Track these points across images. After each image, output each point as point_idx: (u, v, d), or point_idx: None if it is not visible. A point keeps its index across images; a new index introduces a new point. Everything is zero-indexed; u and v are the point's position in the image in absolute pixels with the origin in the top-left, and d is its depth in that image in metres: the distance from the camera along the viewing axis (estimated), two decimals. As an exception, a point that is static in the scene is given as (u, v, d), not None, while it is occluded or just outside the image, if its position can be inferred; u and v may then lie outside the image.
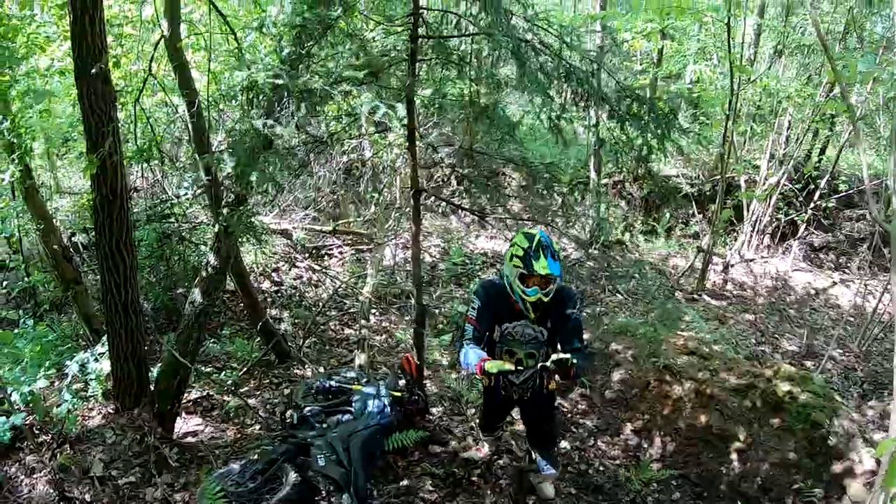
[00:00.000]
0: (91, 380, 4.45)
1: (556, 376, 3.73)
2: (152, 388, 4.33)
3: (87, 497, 3.51)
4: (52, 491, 3.48)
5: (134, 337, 4.10)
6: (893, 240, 2.71)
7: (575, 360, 3.22)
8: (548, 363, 3.31)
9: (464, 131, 8.92)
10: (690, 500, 4.98)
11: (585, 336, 3.92)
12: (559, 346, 3.67)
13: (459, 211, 9.47)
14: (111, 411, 4.27)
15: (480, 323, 3.63)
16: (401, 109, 2.75)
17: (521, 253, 3.43)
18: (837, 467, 4.83)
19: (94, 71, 3.40)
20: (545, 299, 3.45)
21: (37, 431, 3.92)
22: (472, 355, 3.48)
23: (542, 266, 3.35)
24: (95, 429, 4.10)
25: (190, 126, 5.21)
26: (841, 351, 7.85)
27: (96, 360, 4.48)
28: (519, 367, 3.64)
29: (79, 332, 5.74)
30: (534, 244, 3.42)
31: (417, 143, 3.74)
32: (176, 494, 3.70)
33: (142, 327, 4.19)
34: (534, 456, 4.37)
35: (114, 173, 3.75)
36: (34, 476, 3.58)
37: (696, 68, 9.59)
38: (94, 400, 4.41)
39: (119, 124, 3.87)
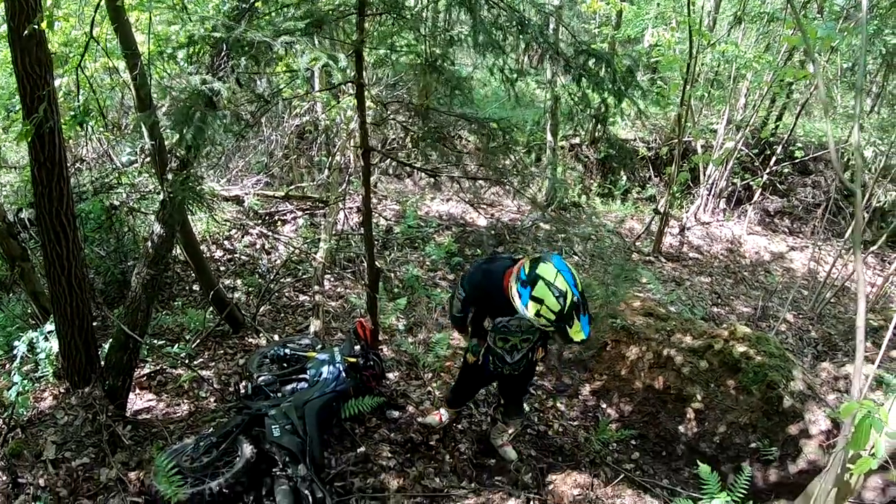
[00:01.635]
0: (41, 360, 4.31)
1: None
2: (102, 364, 4.18)
3: (41, 482, 3.38)
4: (4, 478, 3.35)
5: (80, 312, 3.94)
6: (857, 202, 2.71)
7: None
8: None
9: (419, 90, 8.78)
10: (649, 459, 5.05)
11: None
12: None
13: (415, 173, 9.36)
14: (63, 391, 4.12)
15: (464, 306, 3.70)
16: (343, 60, 2.62)
17: (551, 316, 3.02)
18: (793, 428, 4.93)
19: (26, 33, 3.21)
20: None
21: (-13, 417, 3.77)
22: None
23: (576, 332, 3.04)
24: (47, 410, 3.96)
25: (132, 89, 4.98)
26: (795, 313, 8.02)
27: (46, 338, 4.33)
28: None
29: (27, 311, 5.52)
30: (566, 307, 3.01)
31: (367, 100, 3.62)
32: (131, 473, 3.58)
33: (88, 301, 4.02)
34: (498, 421, 4.39)
35: (51, 140, 3.56)
36: (-15, 463, 3.43)
37: (656, 31, 9.56)
38: (45, 381, 4.27)
39: (59, 90, 3.66)
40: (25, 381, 4.05)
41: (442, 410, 4.50)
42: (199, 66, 3.32)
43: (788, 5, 9.43)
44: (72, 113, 5.53)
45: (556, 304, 2.99)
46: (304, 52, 2.58)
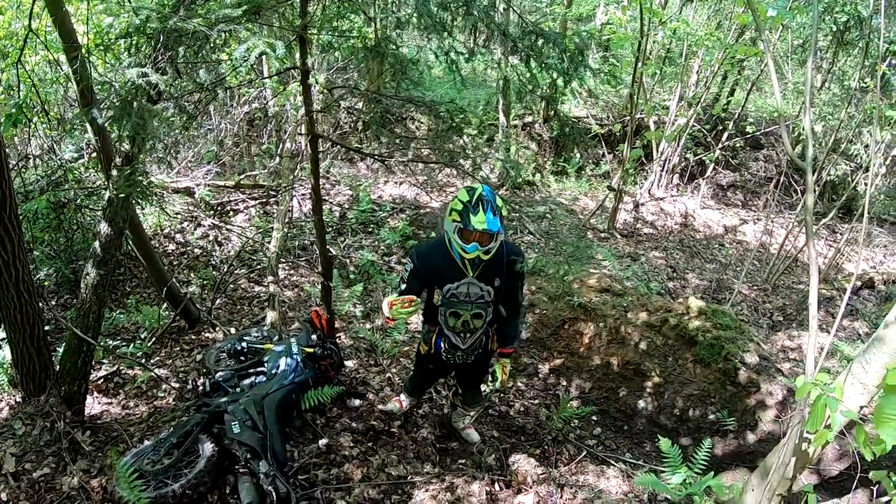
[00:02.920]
0: (-5, 369, 4.17)
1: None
2: (57, 370, 4.06)
3: (3, 496, 3.28)
4: None
5: (30, 317, 3.81)
6: (808, 178, 2.77)
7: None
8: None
9: (368, 75, 8.69)
10: (611, 435, 5.14)
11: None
12: (502, 305, 3.63)
13: (367, 158, 9.30)
14: (19, 401, 4.01)
15: (411, 284, 3.55)
16: (280, 48, 2.56)
17: (459, 207, 3.24)
18: (750, 399, 5.06)
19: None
20: (485, 256, 3.31)
21: (-56, 433, 3.65)
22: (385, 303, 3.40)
23: (479, 221, 3.18)
24: (4, 421, 3.85)
25: (73, 82, 4.82)
26: (749, 285, 8.22)
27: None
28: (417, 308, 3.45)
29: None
30: (474, 198, 3.22)
31: (313, 86, 3.56)
32: (93, 481, 3.49)
33: (37, 306, 3.89)
34: (457, 405, 4.41)
35: (-13, 141, 3.41)
36: (-54, 483, 3.32)
37: (607, 9, 9.60)
38: (0, 390, 4.16)
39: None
40: None
41: (402, 396, 4.50)
42: (138, 58, 3.21)
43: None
44: (13, 111, 5.36)
45: (466, 195, 3.26)
46: (244, 40, 2.52)
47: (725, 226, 10.28)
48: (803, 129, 9.42)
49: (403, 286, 3.57)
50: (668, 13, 10.19)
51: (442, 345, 3.74)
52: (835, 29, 9.22)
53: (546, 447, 4.53)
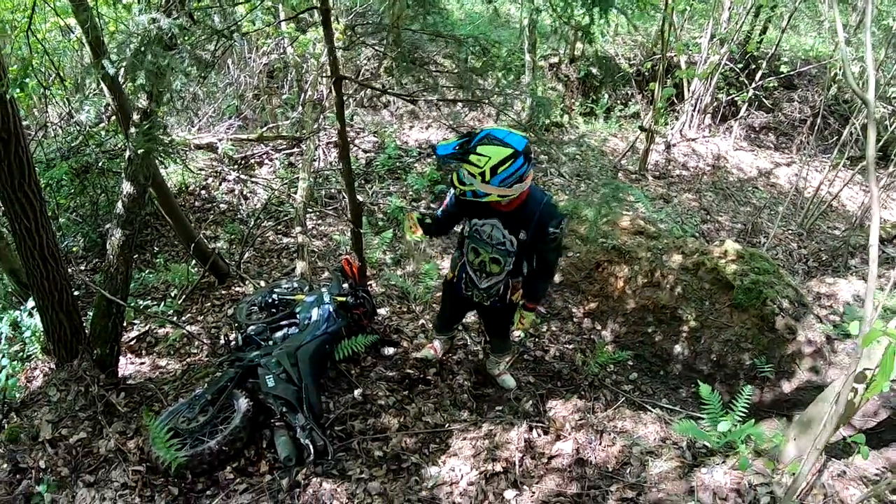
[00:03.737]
0: (28, 338, 4.22)
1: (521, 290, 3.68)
2: (88, 334, 4.07)
3: (42, 464, 3.29)
4: (5, 466, 3.26)
5: (57, 283, 3.80)
6: (870, 114, 2.56)
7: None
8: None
9: (390, 17, 8.46)
10: (647, 380, 5.06)
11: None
12: (533, 259, 3.52)
13: (391, 103, 9.11)
14: (52, 367, 4.04)
15: (449, 208, 3.59)
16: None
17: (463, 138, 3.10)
18: (788, 345, 4.92)
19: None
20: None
21: (-22, 403, 3.68)
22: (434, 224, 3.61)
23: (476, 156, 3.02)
24: (39, 389, 3.87)
25: (85, 42, 4.73)
26: (783, 229, 7.98)
27: (30, 315, 4.24)
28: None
29: (8, 289, 5.37)
30: (481, 134, 3.05)
31: (335, 26, 3.41)
32: (129, 442, 3.50)
33: (64, 272, 3.87)
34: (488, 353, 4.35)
35: (3, 111, 3.34)
36: (-17, 452, 3.35)
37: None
38: (34, 359, 4.19)
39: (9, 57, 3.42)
40: (15, 363, 3.96)
41: (436, 342, 4.45)
42: (147, 5, 3.10)
43: None
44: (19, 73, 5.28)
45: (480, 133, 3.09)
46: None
47: (759, 168, 9.96)
48: (839, 69, 9.05)
49: (441, 209, 3.63)
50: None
51: (464, 277, 3.71)
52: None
53: (583, 392, 4.46)
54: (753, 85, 10.08)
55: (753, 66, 10.36)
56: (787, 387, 4.86)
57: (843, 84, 10.02)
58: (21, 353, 4.22)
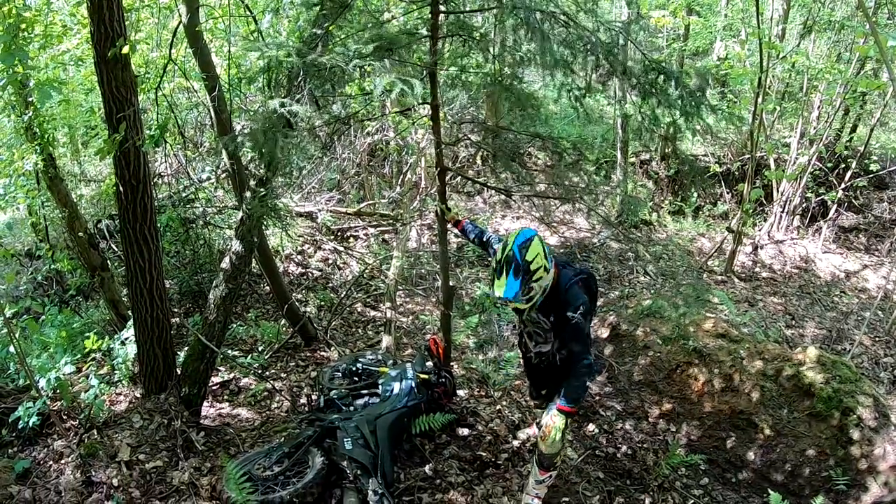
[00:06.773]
0: (118, 364, 4.48)
1: None
2: (179, 372, 4.34)
3: (115, 482, 3.52)
4: (79, 476, 3.50)
5: (160, 321, 4.12)
6: None
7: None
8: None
9: (488, 109, 8.80)
10: (718, 486, 4.90)
11: (578, 344, 3.48)
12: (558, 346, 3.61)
13: (485, 191, 9.38)
14: (138, 396, 4.30)
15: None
16: (418, 86, 2.68)
17: (493, 263, 3.35)
18: (867, 458, 4.71)
19: (110, 55, 3.39)
20: (519, 306, 3.43)
21: (64, 417, 3.96)
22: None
23: (498, 286, 3.26)
24: (122, 413, 4.12)
25: (211, 110, 5.21)
26: (870, 336, 7.66)
27: (123, 344, 4.51)
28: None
29: (106, 317, 5.79)
30: (502, 258, 3.25)
31: (442, 121, 3.67)
32: (203, 478, 3.70)
33: (167, 312, 4.20)
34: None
35: (136, 159, 3.74)
36: (62, 461, 3.60)
37: (725, 44, 9.34)
38: (120, 385, 4.44)
39: (140, 110, 3.85)
40: (102, 385, 4.20)
41: (535, 427, 4.48)
42: (276, 90, 3.44)
43: (859, 12, 9.13)
44: (149, 133, 5.81)
45: (500, 252, 3.29)
46: (378, 75, 2.66)
47: (847, 271, 9.64)
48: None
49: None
50: (786, 45, 9.80)
51: (522, 339, 3.95)
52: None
53: (652, 493, 4.38)
54: (843, 185, 9.87)
55: (843, 165, 10.16)
56: (861, 500, 4.62)
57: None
58: (108, 377, 4.47)
